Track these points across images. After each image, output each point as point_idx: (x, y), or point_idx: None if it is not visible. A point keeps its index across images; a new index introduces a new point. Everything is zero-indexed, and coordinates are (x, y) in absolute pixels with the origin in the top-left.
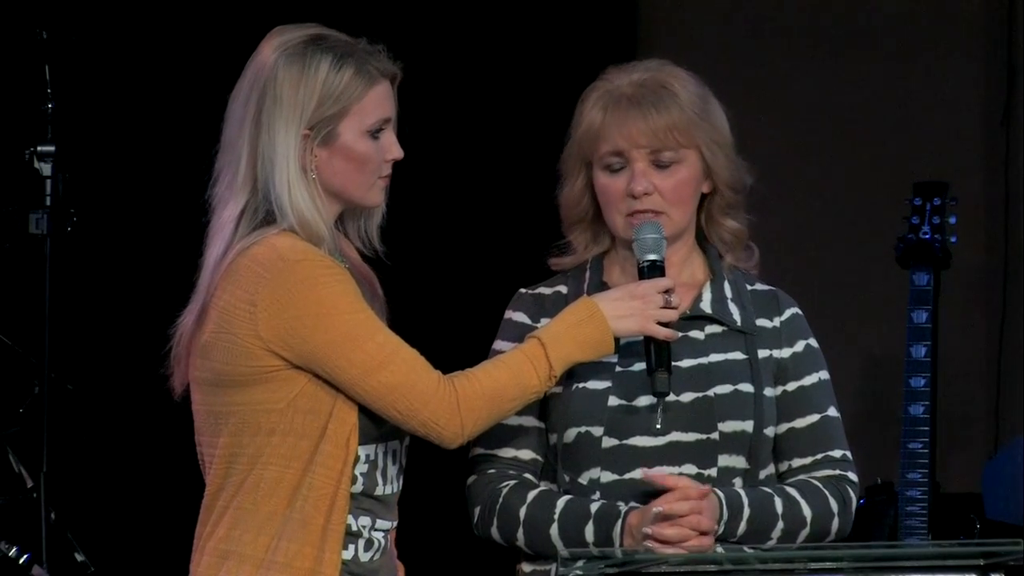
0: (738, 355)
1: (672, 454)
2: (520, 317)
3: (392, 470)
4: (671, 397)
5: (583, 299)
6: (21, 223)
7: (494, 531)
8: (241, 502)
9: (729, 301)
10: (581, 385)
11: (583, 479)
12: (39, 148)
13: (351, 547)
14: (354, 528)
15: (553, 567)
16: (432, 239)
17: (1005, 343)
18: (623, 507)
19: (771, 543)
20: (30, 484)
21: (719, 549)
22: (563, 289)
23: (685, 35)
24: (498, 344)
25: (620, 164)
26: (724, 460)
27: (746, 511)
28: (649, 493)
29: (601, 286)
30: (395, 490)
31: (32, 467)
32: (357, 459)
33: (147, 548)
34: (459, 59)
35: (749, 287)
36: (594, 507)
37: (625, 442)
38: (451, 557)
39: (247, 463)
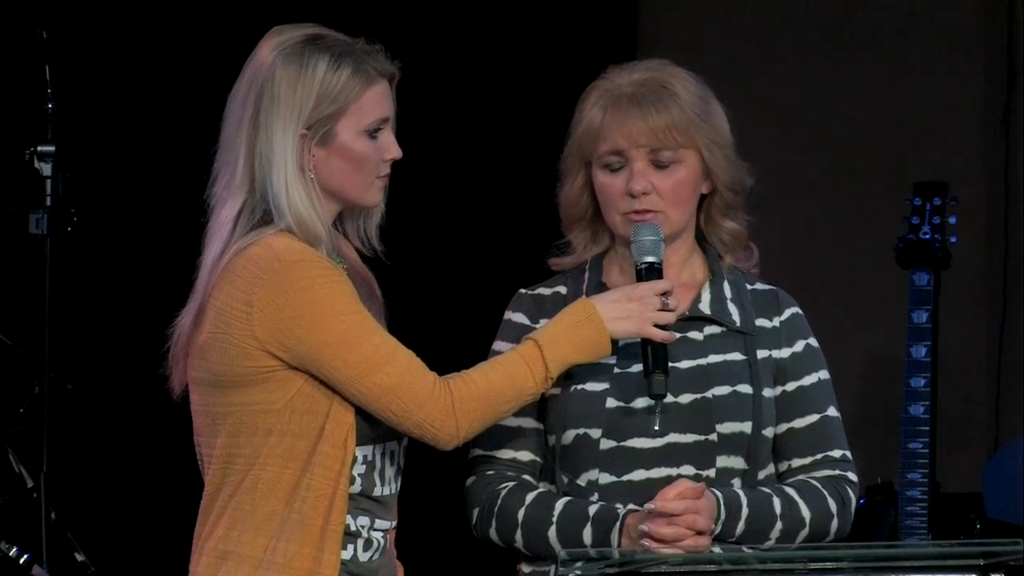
0: (737, 356)
1: (670, 455)
2: (519, 318)
3: (390, 471)
4: (669, 398)
5: (580, 301)
6: (21, 223)
7: (492, 532)
8: (239, 502)
9: (728, 301)
10: (579, 387)
11: (581, 480)
12: (39, 148)
13: (350, 547)
14: (353, 528)
15: (552, 568)
16: (432, 239)
17: (1005, 343)
18: (621, 510)
19: (770, 543)
20: (30, 484)
21: (717, 549)
22: (562, 290)
23: (685, 35)
24: (498, 345)
25: (619, 163)
26: (722, 461)
27: (744, 511)
28: (648, 494)
29: (600, 287)
30: (393, 491)
31: (32, 467)
32: (355, 460)
33: (147, 548)
34: (459, 59)
35: (749, 287)
36: (592, 509)
37: (623, 444)
38: (451, 557)
39: (245, 463)
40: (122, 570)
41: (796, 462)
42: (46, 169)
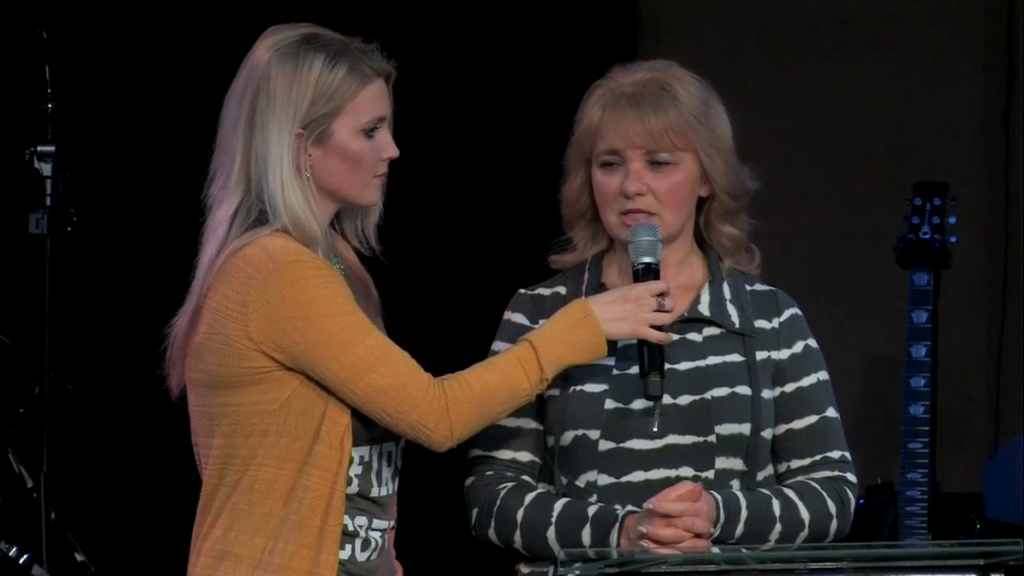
0: (736, 357)
1: (669, 457)
2: (519, 318)
3: (387, 472)
4: (668, 400)
5: (576, 302)
6: (21, 223)
7: (491, 533)
8: (236, 503)
9: (728, 303)
10: (578, 388)
11: (580, 482)
12: (39, 148)
13: (348, 547)
14: (350, 528)
15: (551, 569)
16: (431, 239)
17: (1005, 343)
18: (620, 510)
19: (769, 545)
20: (30, 484)
21: (716, 550)
22: (562, 290)
23: (685, 35)
24: (497, 345)
25: (616, 162)
26: (721, 462)
27: (743, 513)
28: (647, 495)
29: (599, 287)
30: (390, 492)
31: (32, 467)
32: (351, 461)
33: (147, 548)
34: (459, 59)
35: (749, 288)
36: (591, 510)
37: (622, 445)
38: (450, 558)
39: (241, 464)
40: (122, 570)
41: (795, 463)
42: (46, 169)
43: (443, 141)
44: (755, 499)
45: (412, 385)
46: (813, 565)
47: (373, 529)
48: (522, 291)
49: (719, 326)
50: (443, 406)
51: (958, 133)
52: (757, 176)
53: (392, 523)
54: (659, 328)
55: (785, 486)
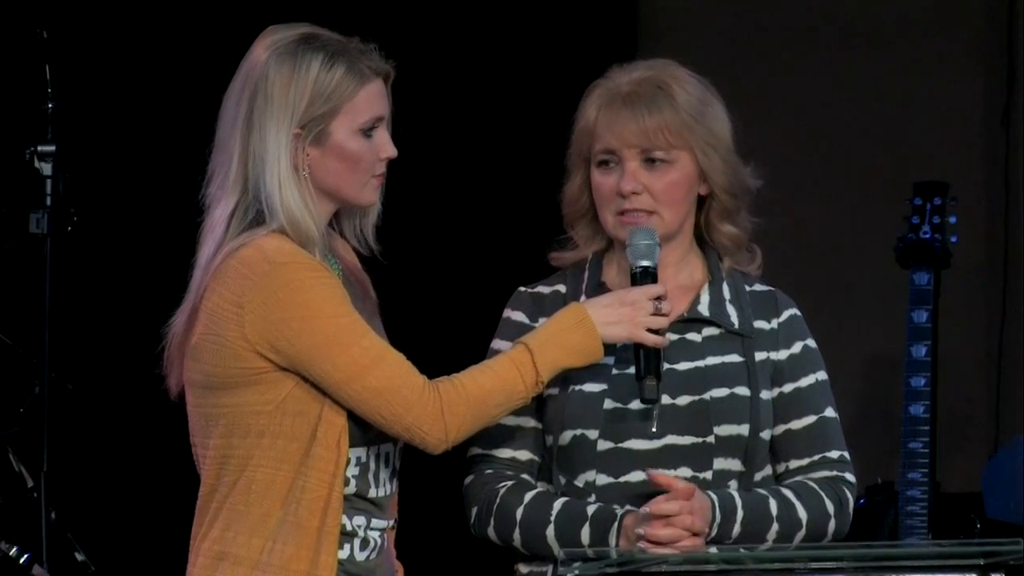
0: (735, 358)
1: (668, 457)
2: (519, 316)
3: (384, 473)
4: (667, 400)
5: (573, 305)
6: (21, 223)
7: (491, 531)
8: (234, 503)
9: (727, 303)
10: (576, 388)
11: (579, 481)
12: (39, 148)
13: (347, 547)
14: (349, 528)
15: (550, 568)
16: (431, 238)
17: (1005, 342)
18: (619, 510)
19: (766, 545)
20: (30, 484)
21: (713, 550)
22: (562, 288)
23: (685, 35)
24: (497, 343)
25: (613, 162)
26: (720, 463)
27: (740, 513)
28: (645, 495)
29: (599, 286)
30: (388, 492)
31: (32, 467)
32: (348, 462)
33: (147, 548)
34: (459, 59)
35: (748, 288)
36: (591, 509)
37: (620, 445)
38: (450, 557)
39: (238, 465)
40: (122, 570)
41: (794, 463)
42: (46, 169)
43: (443, 141)
44: (752, 499)
45: (407, 387)
46: (813, 565)
47: (372, 529)
48: (522, 289)
49: (718, 326)
50: (438, 408)
51: (958, 133)
52: (758, 176)
53: (392, 523)
54: (656, 332)
55: (783, 486)
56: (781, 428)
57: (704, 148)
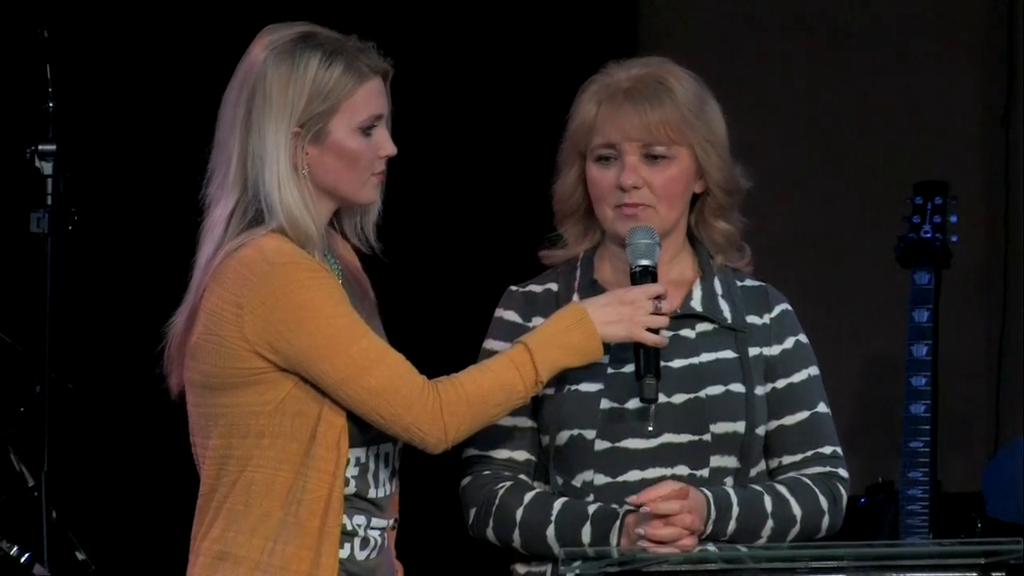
0: (729, 354)
1: (664, 456)
2: (511, 316)
3: (384, 473)
4: (662, 398)
5: (572, 304)
6: (22, 222)
7: (490, 532)
8: (234, 503)
9: (719, 298)
10: (573, 388)
11: (576, 481)
12: (40, 147)
13: (347, 546)
14: (349, 527)
15: (548, 568)
16: (431, 237)
17: (1006, 342)
18: (621, 509)
19: (761, 541)
20: (31, 483)
21: (712, 547)
22: (553, 287)
23: (685, 35)
24: (489, 343)
25: (612, 156)
26: (716, 460)
27: (735, 510)
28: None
29: (592, 284)
30: (388, 492)
31: (33, 466)
32: (347, 462)
33: (148, 547)
34: (459, 58)
35: (739, 283)
36: (591, 509)
37: (618, 445)
38: (450, 557)
39: (238, 465)
40: (123, 569)
41: (787, 459)
42: (47, 168)
43: (444, 140)
44: (746, 496)
45: (406, 387)
46: (814, 564)
47: (372, 528)
48: (513, 288)
49: (712, 321)
50: (437, 408)
51: (959, 132)
52: (758, 176)
53: (392, 522)
54: (655, 331)
55: (777, 482)
56: (774, 424)
57: (703, 144)
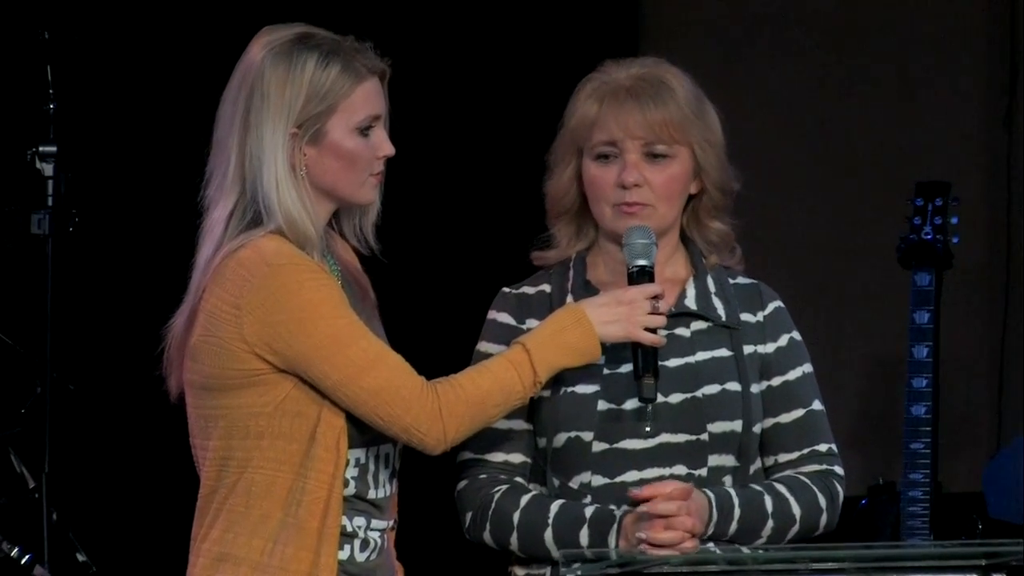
0: (724, 352)
1: (662, 455)
2: (505, 318)
3: (384, 474)
4: (659, 398)
5: (570, 305)
6: (23, 223)
7: (487, 536)
8: (234, 504)
9: (713, 296)
10: (569, 389)
11: (573, 483)
12: (41, 148)
13: (347, 547)
14: (349, 528)
15: (547, 570)
16: (431, 238)
17: (1007, 343)
18: (618, 511)
19: (761, 541)
20: (32, 484)
21: (712, 547)
22: (547, 288)
23: (686, 36)
24: (482, 345)
25: (613, 153)
26: (714, 460)
27: (737, 511)
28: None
29: (585, 285)
30: (388, 493)
31: (34, 467)
32: (347, 463)
33: (148, 548)
34: (459, 59)
35: (732, 281)
36: (588, 511)
37: (615, 446)
38: (450, 558)
39: (238, 466)
40: (123, 570)
41: (783, 457)
42: (48, 169)
43: (443, 141)
44: (748, 496)
45: (405, 388)
46: (815, 565)
47: (372, 529)
48: (506, 290)
49: (706, 320)
50: (436, 409)
51: (960, 133)
52: (759, 176)
53: (392, 523)
54: (653, 331)
55: (776, 481)
56: (770, 422)
57: (702, 144)
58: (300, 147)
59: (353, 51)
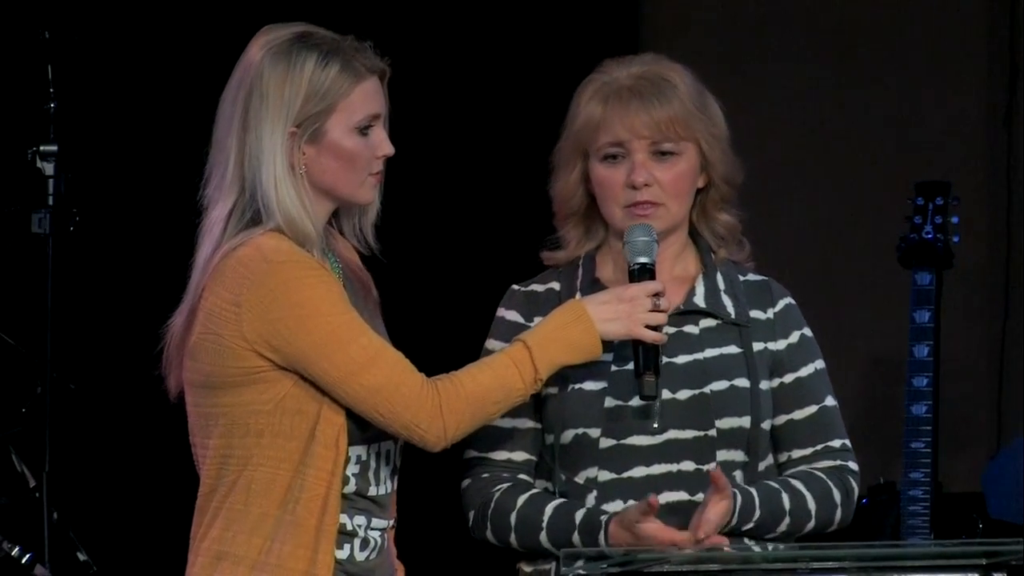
0: (733, 349)
1: (670, 452)
2: (513, 315)
3: (384, 471)
4: (667, 394)
5: (571, 302)
6: (23, 223)
7: (489, 535)
8: (233, 503)
9: (722, 293)
10: (576, 386)
11: (580, 478)
12: (42, 148)
13: (347, 546)
14: (349, 527)
15: (553, 566)
16: (431, 237)
17: (1007, 342)
18: (604, 516)
19: (774, 536)
20: (32, 484)
21: (725, 543)
22: (556, 286)
23: (686, 35)
24: (490, 343)
25: (620, 154)
26: (722, 455)
27: (757, 512)
28: (648, 490)
29: (594, 283)
30: (388, 491)
31: (34, 467)
32: (348, 460)
33: (149, 548)
34: (459, 58)
35: (742, 278)
36: (579, 515)
37: (623, 442)
38: (450, 557)
39: (238, 464)
40: (124, 570)
41: (796, 453)
42: (48, 169)
43: (443, 141)
44: (767, 495)
45: (405, 385)
46: (816, 565)
47: (372, 528)
48: (515, 287)
49: (715, 317)
50: (436, 406)
51: (960, 132)
52: (759, 176)
53: (392, 522)
54: (654, 328)
55: (792, 477)
56: (783, 418)
57: (708, 139)
58: (299, 146)
59: (353, 51)
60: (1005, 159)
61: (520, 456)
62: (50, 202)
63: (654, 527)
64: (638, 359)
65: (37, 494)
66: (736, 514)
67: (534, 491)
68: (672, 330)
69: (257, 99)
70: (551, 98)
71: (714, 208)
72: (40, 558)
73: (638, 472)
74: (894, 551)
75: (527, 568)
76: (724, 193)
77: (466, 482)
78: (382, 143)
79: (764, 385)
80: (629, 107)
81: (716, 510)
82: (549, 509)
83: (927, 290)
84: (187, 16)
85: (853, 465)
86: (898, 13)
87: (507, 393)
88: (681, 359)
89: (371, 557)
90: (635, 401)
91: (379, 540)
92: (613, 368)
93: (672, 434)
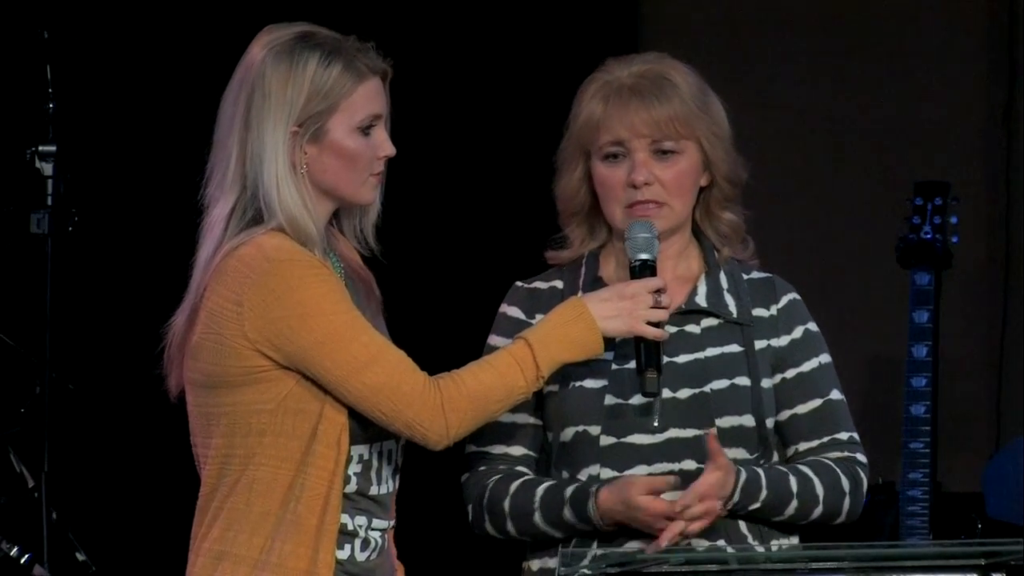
0: (735, 348)
1: (671, 450)
2: (515, 312)
3: (386, 470)
4: (668, 393)
5: (572, 299)
6: (22, 223)
7: (488, 527)
8: (235, 503)
9: (725, 292)
10: (577, 384)
11: (582, 475)
12: (40, 148)
13: (347, 547)
14: (350, 527)
15: (557, 559)
16: (432, 236)
17: (1006, 342)
18: (593, 486)
19: (782, 519)
20: (31, 484)
21: (722, 544)
22: (559, 284)
23: (686, 35)
24: (492, 339)
25: (621, 153)
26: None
27: (764, 492)
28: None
29: (596, 281)
30: (390, 490)
31: (33, 467)
32: (350, 459)
33: (148, 548)
34: (460, 58)
35: (745, 276)
36: (568, 491)
37: (623, 440)
38: (450, 557)
39: (240, 464)
40: (123, 570)
41: (803, 445)
42: (47, 169)
43: (444, 141)
44: (774, 476)
45: (407, 384)
46: (814, 565)
47: (373, 529)
48: (518, 284)
49: (717, 316)
50: (438, 404)
51: (959, 133)
52: (758, 175)
53: (392, 523)
54: (656, 325)
55: (800, 463)
56: (787, 413)
57: (709, 137)
58: (301, 146)
59: (355, 51)
60: (1004, 159)
61: (518, 451)
62: (49, 202)
63: (647, 499)
64: (640, 356)
65: (36, 494)
66: (739, 491)
67: (527, 478)
68: (674, 329)
69: (259, 98)
70: (551, 98)
71: (717, 207)
72: (39, 558)
73: (639, 470)
74: (893, 551)
75: (534, 565)
76: (727, 192)
77: (465, 477)
78: (383, 143)
79: (766, 383)
80: (629, 106)
81: (706, 480)
82: (540, 490)
83: (926, 290)
84: (187, 16)
85: (862, 457)
86: (898, 13)
87: (509, 391)
88: (682, 358)
89: (372, 557)
90: (635, 399)
91: (379, 540)
92: (613, 366)
93: (673, 432)
